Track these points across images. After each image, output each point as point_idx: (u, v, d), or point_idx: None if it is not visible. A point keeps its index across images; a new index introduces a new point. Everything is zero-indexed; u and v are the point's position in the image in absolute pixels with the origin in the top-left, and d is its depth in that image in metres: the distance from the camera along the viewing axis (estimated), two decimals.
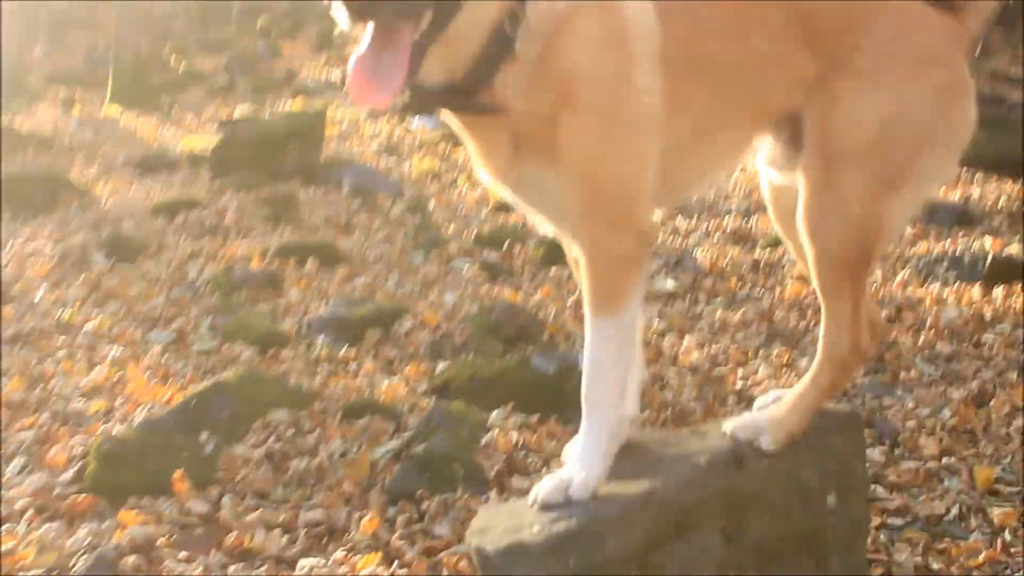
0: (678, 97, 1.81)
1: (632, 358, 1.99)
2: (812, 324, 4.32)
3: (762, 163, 2.17)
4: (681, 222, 6.57)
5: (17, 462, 2.97)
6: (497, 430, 3.34)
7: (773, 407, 2.09)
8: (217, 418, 3.24)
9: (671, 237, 6.24)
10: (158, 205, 6.58)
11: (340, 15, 1.50)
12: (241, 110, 12.00)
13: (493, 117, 1.69)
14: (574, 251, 1.97)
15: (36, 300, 4.76)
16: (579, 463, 1.91)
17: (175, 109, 11.47)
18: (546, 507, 1.87)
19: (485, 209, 7.20)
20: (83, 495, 2.79)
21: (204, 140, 9.14)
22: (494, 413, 3.46)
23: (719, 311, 4.68)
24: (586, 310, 1.89)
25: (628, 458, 2.03)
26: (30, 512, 2.66)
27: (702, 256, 5.64)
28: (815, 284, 2.03)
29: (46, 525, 2.60)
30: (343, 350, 4.32)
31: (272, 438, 3.20)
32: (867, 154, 1.90)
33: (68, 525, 2.63)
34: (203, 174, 7.84)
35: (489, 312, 4.60)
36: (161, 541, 2.55)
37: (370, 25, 1.51)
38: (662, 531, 1.88)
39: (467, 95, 1.68)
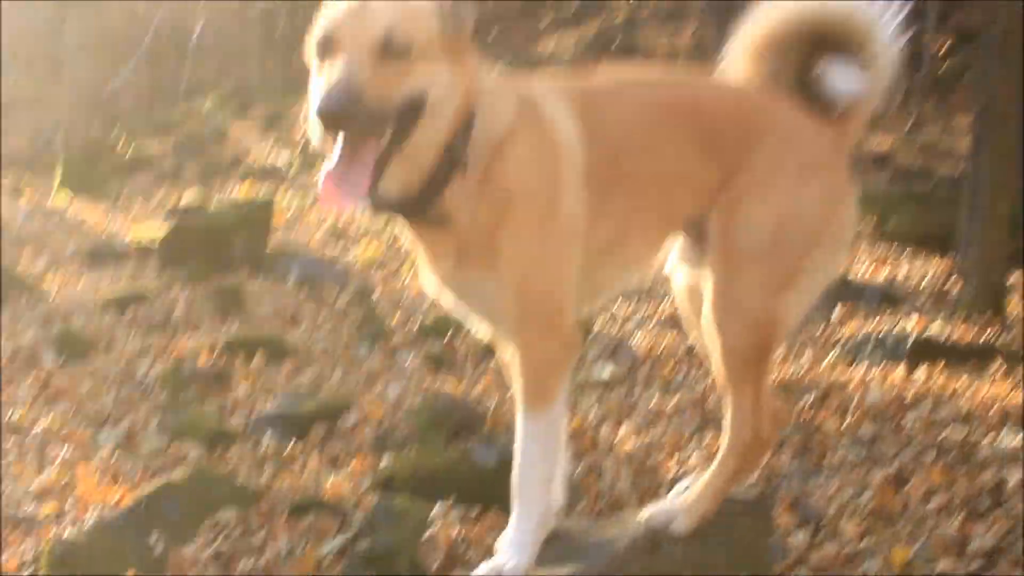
0: (600, 210, 2.04)
1: (560, 451, 2.18)
2: None
3: (674, 262, 2.45)
4: (620, 308, 6.74)
5: None
6: (439, 524, 3.51)
7: (685, 494, 2.29)
8: (167, 519, 3.39)
9: (609, 324, 6.58)
10: (107, 300, 6.75)
11: (314, 128, 1.79)
12: (189, 196, 12.21)
13: (441, 227, 1.91)
14: (508, 352, 2.17)
15: None
16: (509, 551, 2.09)
17: (124, 195, 11.71)
18: None
19: (428, 299, 7.43)
20: None
21: (152, 230, 9.32)
22: (436, 507, 3.64)
23: (654, 398, 4.88)
24: (518, 406, 2.08)
25: (553, 545, 2.22)
26: None
27: (639, 343, 5.83)
28: (719, 376, 2.27)
29: None
30: (290, 446, 4.51)
31: (220, 538, 3.36)
32: (763, 254, 2.16)
33: None
34: (151, 265, 8.04)
35: (432, 404, 4.81)
36: None
37: (339, 139, 1.77)
38: None
39: (420, 207, 1.91)
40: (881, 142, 12.25)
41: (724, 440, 2.28)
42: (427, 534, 3.45)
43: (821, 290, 2.36)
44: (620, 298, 7.06)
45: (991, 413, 4.27)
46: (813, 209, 2.25)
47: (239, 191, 12.36)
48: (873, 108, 2.38)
